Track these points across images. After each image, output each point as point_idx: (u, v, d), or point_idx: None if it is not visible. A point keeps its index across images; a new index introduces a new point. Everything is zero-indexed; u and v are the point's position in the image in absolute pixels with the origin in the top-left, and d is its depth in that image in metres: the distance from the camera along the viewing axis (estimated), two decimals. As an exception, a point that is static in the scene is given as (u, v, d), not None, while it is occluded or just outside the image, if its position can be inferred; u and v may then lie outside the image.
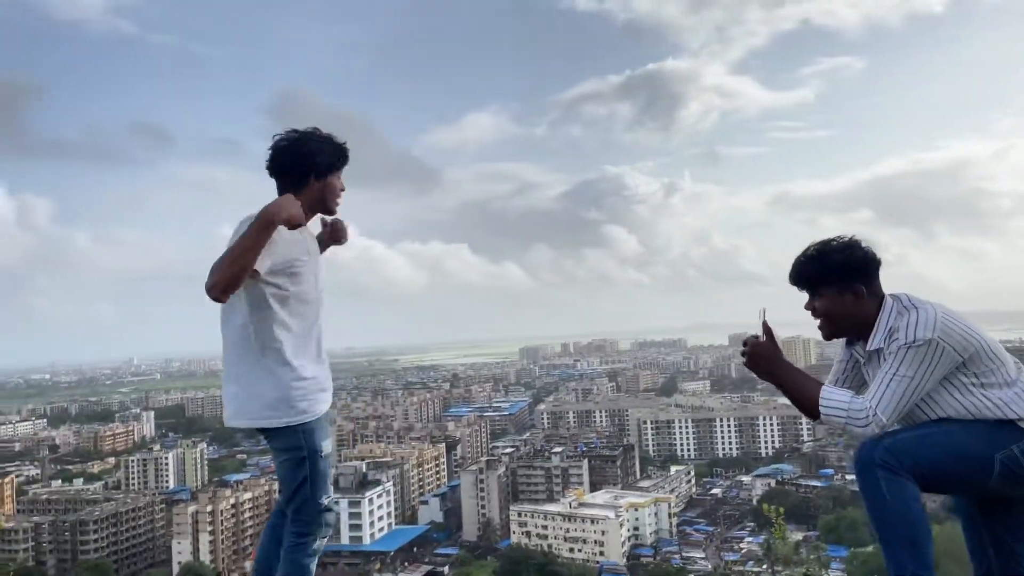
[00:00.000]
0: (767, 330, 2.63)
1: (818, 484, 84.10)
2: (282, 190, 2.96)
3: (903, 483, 2.44)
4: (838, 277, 2.65)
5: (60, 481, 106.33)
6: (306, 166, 2.96)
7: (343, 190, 3.12)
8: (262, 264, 2.71)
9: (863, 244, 2.69)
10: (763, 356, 2.61)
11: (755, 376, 2.68)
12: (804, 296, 2.79)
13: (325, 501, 2.97)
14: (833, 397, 2.50)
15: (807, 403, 2.53)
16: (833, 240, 2.71)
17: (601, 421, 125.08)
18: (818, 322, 2.78)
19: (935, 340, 2.45)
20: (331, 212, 3.11)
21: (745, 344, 2.64)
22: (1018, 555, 2.67)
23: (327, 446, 2.99)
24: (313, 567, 3.01)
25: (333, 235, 3.24)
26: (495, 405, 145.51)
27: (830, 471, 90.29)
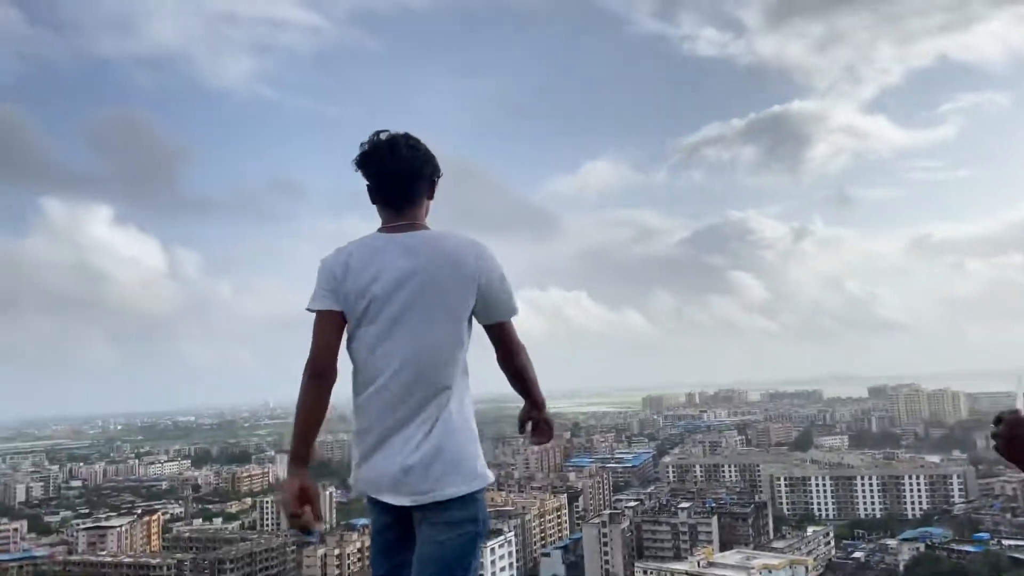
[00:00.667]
0: None
1: (972, 549, 77.09)
2: (410, 207, 2.60)
3: None
4: None
5: (201, 520, 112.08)
6: (429, 180, 2.64)
7: None
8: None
9: None
10: (1019, 431, 1.80)
11: (1013, 464, 1.85)
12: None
13: None
14: None
15: None
16: None
17: (730, 476, 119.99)
18: None
19: None
20: None
21: (999, 422, 1.86)
22: None
23: None
24: None
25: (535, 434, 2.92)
26: (617, 456, 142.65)
27: (986, 535, 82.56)
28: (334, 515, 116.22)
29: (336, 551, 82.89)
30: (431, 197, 2.65)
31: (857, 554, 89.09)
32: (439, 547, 2.40)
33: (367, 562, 64.31)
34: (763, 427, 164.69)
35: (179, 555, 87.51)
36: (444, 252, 2.47)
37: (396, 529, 2.53)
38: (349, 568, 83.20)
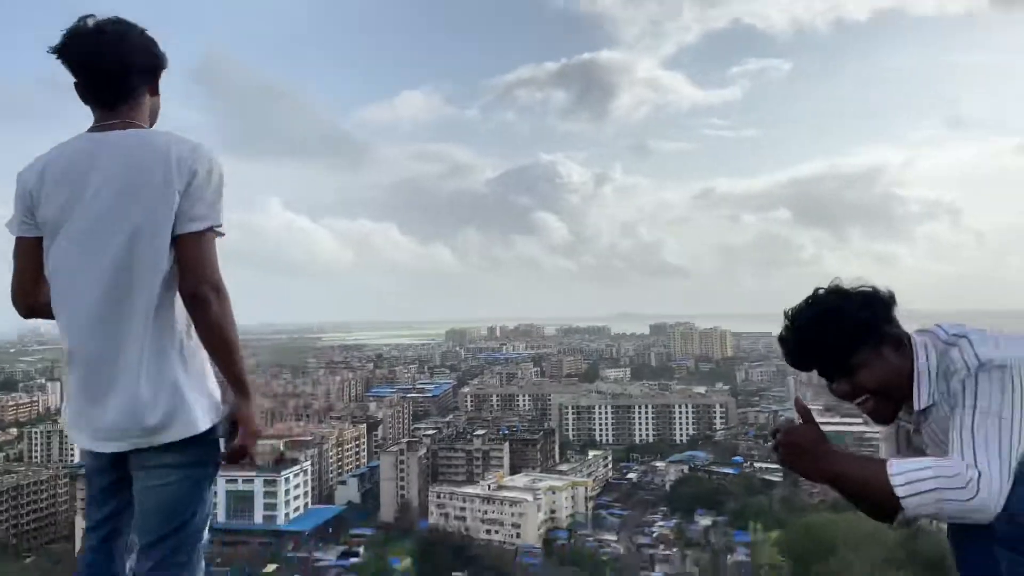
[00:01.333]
0: (804, 411, 1.96)
1: (730, 471, 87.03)
2: (121, 105, 2.20)
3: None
4: (868, 332, 1.96)
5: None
6: (145, 74, 2.24)
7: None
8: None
9: (867, 285, 2.03)
10: (804, 447, 1.90)
11: (792, 471, 1.96)
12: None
13: (207, 535, 2.26)
14: (908, 469, 1.75)
15: (876, 491, 1.78)
16: (821, 292, 2.02)
17: (524, 405, 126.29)
18: (863, 404, 2.01)
19: (1008, 365, 1.81)
20: None
21: (776, 434, 1.95)
22: None
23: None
24: None
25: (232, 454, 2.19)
26: (419, 387, 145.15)
27: (740, 459, 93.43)
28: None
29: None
30: (155, 93, 2.28)
31: (631, 475, 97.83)
32: (157, 493, 2.13)
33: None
34: (556, 360, 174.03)
35: (-72, 491, 78.80)
36: (150, 154, 2.08)
37: (112, 473, 2.23)
38: (131, 500, 79.20)
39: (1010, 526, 1.76)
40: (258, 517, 78.71)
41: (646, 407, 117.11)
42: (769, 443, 2.05)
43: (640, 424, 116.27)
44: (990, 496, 1.70)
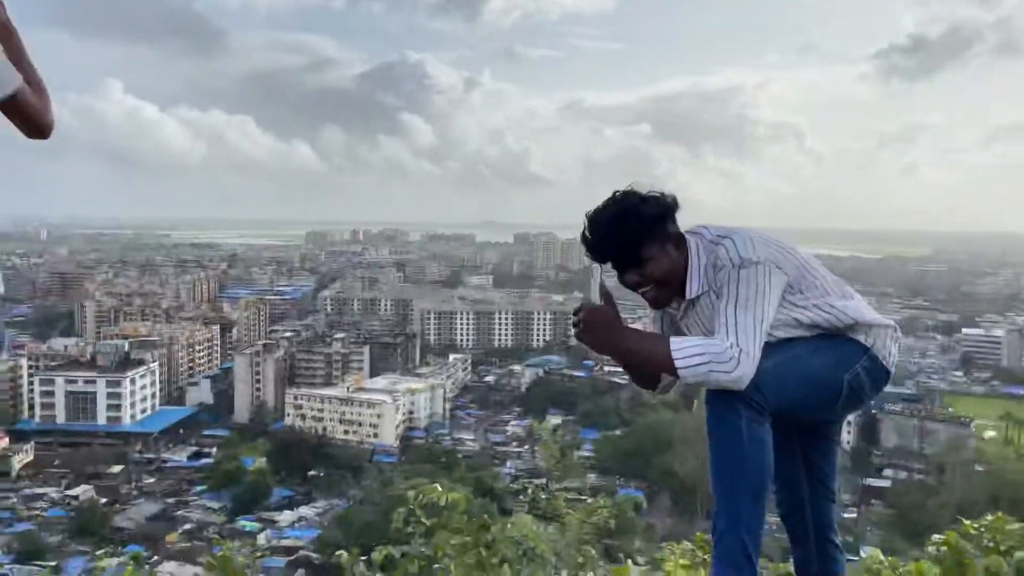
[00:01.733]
0: (605, 294, 2.29)
1: (581, 375, 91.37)
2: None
3: (764, 427, 2.20)
4: (654, 234, 2.32)
5: None
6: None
7: None
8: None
9: (656, 190, 2.37)
10: (602, 324, 2.26)
11: (590, 346, 2.31)
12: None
13: None
14: (685, 346, 2.16)
15: (659, 364, 2.19)
16: (619, 195, 2.36)
17: (386, 309, 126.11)
18: (648, 292, 2.39)
19: (761, 262, 2.23)
20: None
21: (577, 313, 2.27)
22: (826, 475, 2.54)
23: None
24: None
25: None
26: (277, 289, 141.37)
27: (591, 363, 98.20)
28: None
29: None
30: None
31: (489, 378, 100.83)
32: None
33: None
34: (420, 265, 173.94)
35: None
36: None
37: None
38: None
39: (752, 390, 2.18)
40: (101, 419, 75.55)
41: (506, 313, 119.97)
42: (571, 320, 2.34)
43: (500, 330, 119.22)
44: (748, 370, 2.15)
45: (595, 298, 2.28)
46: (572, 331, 2.37)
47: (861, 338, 2.37)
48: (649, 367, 2.29)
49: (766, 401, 2.19)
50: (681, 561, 3.53)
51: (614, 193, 2.37)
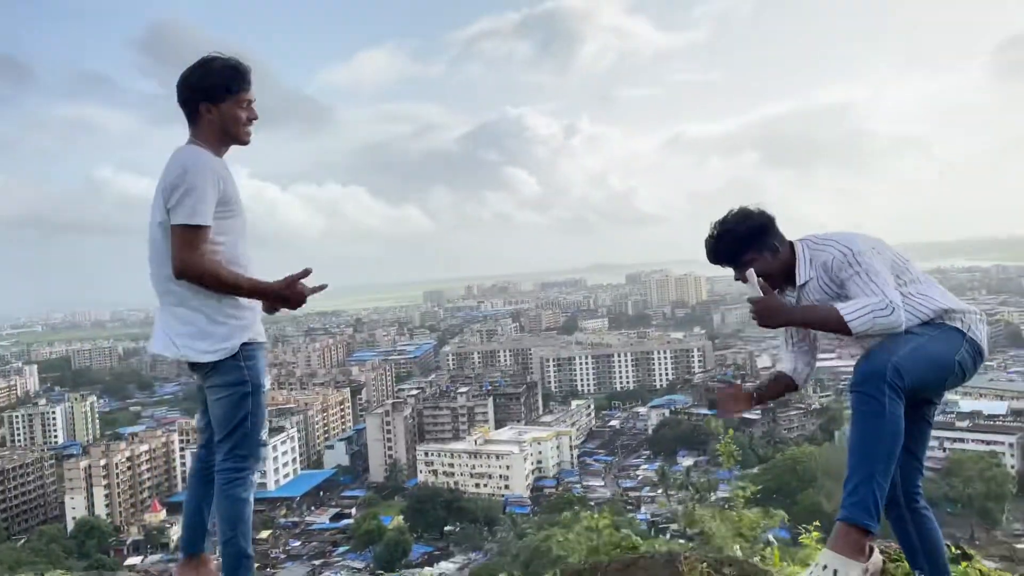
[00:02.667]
0: (763, 286, 2.80)
1: (709, 412, 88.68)
2: (190, 125, 2.95)
3: (900, 404, 2.59)
4: (751, 243, 2.87)
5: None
6: (196, 95, 2.89)
7: (251, 118, 2.97)
8: (208, 219, 2.80)
9: (753, 208, 2.95)
10: (774, 308, 2.77)
11: (770, 327, 2.81)
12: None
13: (264, 435, 3.01)
14: (852, 307, 2.64)
15: (835, 324, 2.66)
16: (728, 216, 2.93)
17: (505, 360, 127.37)
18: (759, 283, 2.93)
19: (867, 249, 2.77)
20: (240, 141, 2.99)
21: (754, 302, 2.79)
22: (917, 449, 2.93)
23: (266, 382, 3.02)
24: (252, 500, 3.00)
25: (280, 300, 2.97)
26: (400, 349, 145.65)
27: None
28: (98, 425, 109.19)
29: (102, 461, 78.48)
30: (208, 116, 2.91)
31: (613, 422, 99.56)
32: (213, 405, 2.98)
33: (136, 471, 61.47)
34: (535, 314, 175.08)
35: (-89, 481, 78.29)
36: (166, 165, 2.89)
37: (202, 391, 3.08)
38: (119, 478, 79.33)
39: (894, 374, 2.62)
40: (248, 486, 79.29)
41: (625, 355, 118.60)
42: (749, 311, 2.86)
43: (620, 372, 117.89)
44: (902, 316, 2.66)
45: (758, 291, 2.80)
46: (753, 321, 2.86)
47: (958, 324, 2.78)
48: (825, 327, 2.76)
49: (903, 383, 2.59)
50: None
51: (729, 211, 2.97)
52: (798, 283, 2.91)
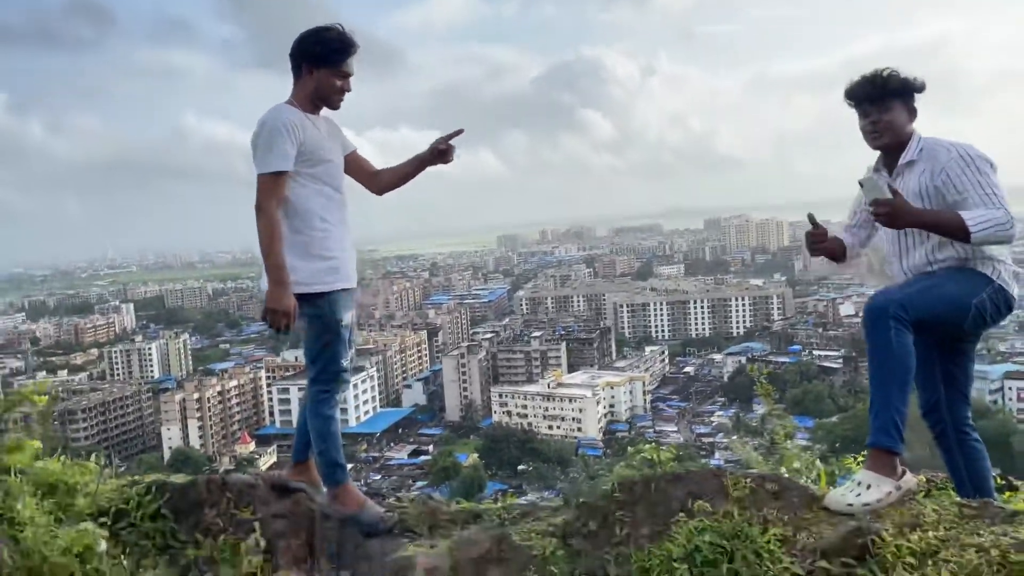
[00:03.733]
0: (893, 191, 2.92)
1: (787, 360, 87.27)
2: (294, 81, 3.26)
3: (907, 334, 2.78)
4: (907, 94, 3.07)
5: (44, 373, 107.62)
6: (303, 57, 3.20)
7: (345, 89, 3.27)
8: (289, 164, 3.12)
9: (914, 76, 3.12)
10: (902, 210, 2.88)
11: (898, 226, 2.98)
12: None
13: (344, 363, 3.31)
14: (978, 216, 2.79)
15: (957, 229, 2.80)
16: (885, 69, 3.12)
17: (579, 306, 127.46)
18: (877, 130, 3.10)
19: (986, 162, 2.91)
20: (331, 106, 3.30)
21: (881, 203, 2.90)
22: (961, 383, 3.14)
23: (348, 317, 3.29)
24: (337, 417, 3.36)
25: (438, 156, 3.49)
26: (474, 293, 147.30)
27: (798, 347, 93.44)
28: (190, 361, 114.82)
29: (196, 395, 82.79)
30: (308, 77, 3.20)
31: (688, 368, 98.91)
32: (304, 335, 3.30)
33: (227, 405, 64.39)
34: (609, 260, 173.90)
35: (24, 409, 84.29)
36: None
37: None
38: (211, 411, 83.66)
39: (897, 307, 2.81)
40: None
41: (702, 302, 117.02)
42: (873, 212, 2.94)
43: (696, 319, 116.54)
44: (1017, 230, 2.81)
45: (885, 192, 2.90)
46: (876, 219, 2.98)
47: (988, 271, 2.94)
48: (946, 232, 2.87)
49: (908, 315, 2.78)
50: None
51: (884, 68, 3.12)
52: (901, 160, 3.07)
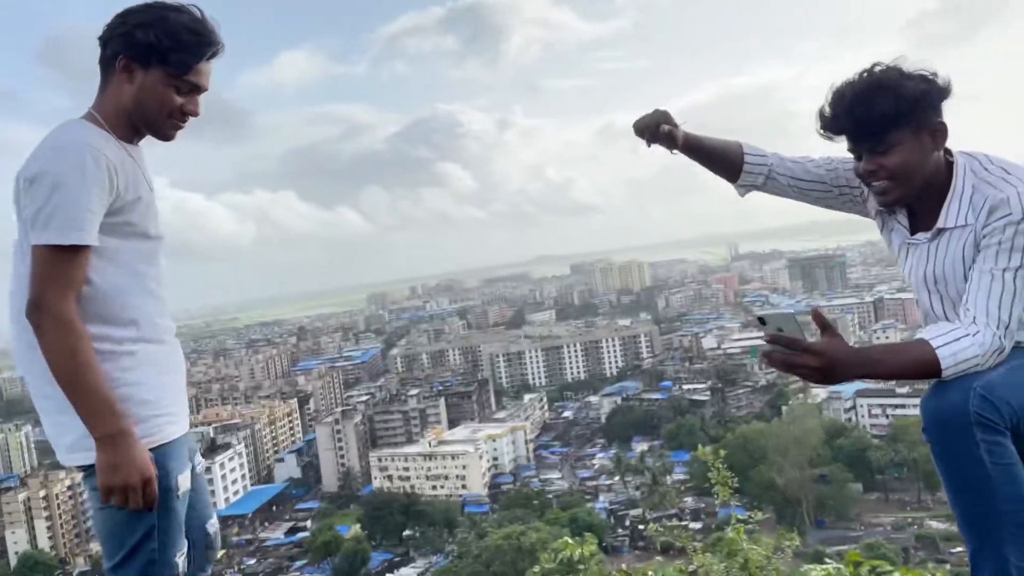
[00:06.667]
0: (823, 322, 1.81)
1: (659, 396, 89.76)
2: (100, 85, 1.97)
3: (1005, 445, 1.77)
4: (914, 113, 1.87)
5: None
6: (122, 43, 1.90)
7: (187, 111, 1.98)
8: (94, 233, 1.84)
9: (926, 69, 1.91)
10: (837, 360, 1.76)
11: (831, 384, 1.87)
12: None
13: (179, 561, 2.01)
14: (956, 350, 1.77)
15: (922, 369, 1.79)
16: (878, 67, 1.91)
17: (455, 359, 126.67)
18: (878, 184, 1.95)
19: None
20: (158, 134, 2.00)
21: (811, 351, 1.75)
22: None
23: (184, 481, 2.02)
24: None
25: None
26: (346, 355, 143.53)
27: (668, 383, 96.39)
28: (34, 455, 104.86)
29: (42, 492, 75.39)
30: (125, 78, 1.92)
31: (567, 413, 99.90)
32: (95, 520, 2.00)
33: (78, 499, 59.10)
34: (481, 310, 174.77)
35: None
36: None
37: None
38: (59, 508, 76.36)
39: (982, 405, 1.79)
40: (198, 506, 77.21)
41: (574, 346, 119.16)
42: (778, 361, 1.80)
43: (570, 363, 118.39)
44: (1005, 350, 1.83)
45: (807, 333, 1.75)
46: (808, 383, 2.02)
47: None
48: (914, 377, 1.86)
49: (1000, 416, 1.75)
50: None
51: (872, 64, 1.92)
52: (941, 222, 1.94)
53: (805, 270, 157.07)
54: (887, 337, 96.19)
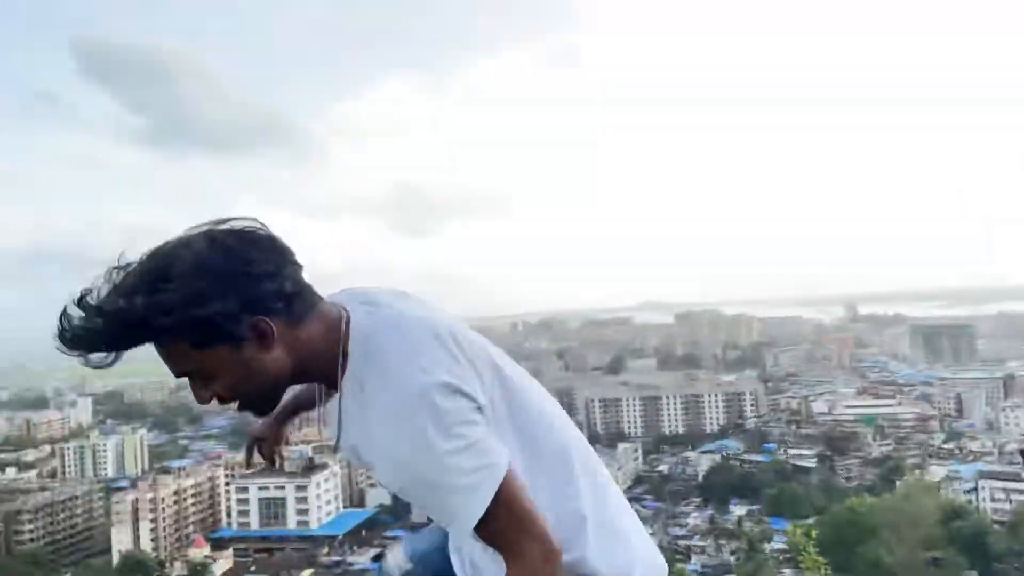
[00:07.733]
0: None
1: (761, 459, 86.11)
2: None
3: None
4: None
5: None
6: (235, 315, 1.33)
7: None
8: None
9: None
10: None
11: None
12: None
13: None
14: None
15: None
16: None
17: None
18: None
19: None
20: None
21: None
22: None
23: None
24: None
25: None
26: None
27: (772, 446, 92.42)
28: (147, 458, 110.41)
29: (149, 495, 79.01)
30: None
31: (661, 467, 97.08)
32: None
33: (182, 505, 61.43)
34: (579, 352, 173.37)
35: (-34, 510, 79.86)
36: None
37: None
38: (164, 512, 79.76)
39: None
40: (291, 523, 78.91)
41: (674, 397, 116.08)
42: None
43: (669, 414, 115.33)
44: None
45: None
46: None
47: None
48: None
49: None
50: None
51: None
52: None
53: (929, 338, 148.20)
54: (1016, 416, 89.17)
